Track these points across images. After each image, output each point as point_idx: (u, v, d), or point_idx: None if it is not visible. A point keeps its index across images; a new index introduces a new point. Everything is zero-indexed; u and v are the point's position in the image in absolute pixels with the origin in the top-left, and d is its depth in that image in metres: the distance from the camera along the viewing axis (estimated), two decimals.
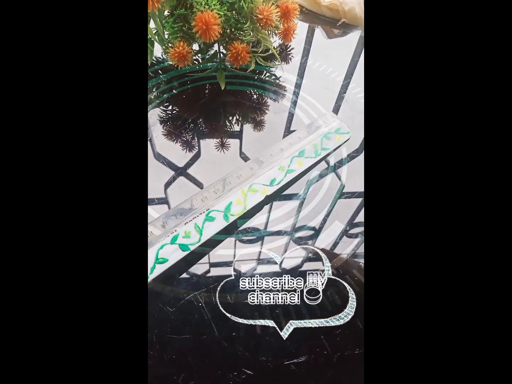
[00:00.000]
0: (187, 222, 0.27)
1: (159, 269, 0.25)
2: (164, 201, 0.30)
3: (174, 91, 0.40)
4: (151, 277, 0.25)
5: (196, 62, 0.42)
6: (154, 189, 0.31)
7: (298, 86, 0.41)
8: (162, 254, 0.25)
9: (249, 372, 0.22)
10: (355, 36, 0.47)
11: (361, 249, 0.28)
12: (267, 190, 0.30)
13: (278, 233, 0.28)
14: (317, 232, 0.29)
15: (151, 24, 0.37)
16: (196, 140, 0.35)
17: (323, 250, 0.27)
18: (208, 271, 0.26)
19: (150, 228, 0.26)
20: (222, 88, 0.38)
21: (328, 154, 0.34)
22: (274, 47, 0.40)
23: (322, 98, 0.40)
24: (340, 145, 0.35)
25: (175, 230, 0.26)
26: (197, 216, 0.27)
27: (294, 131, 0.35)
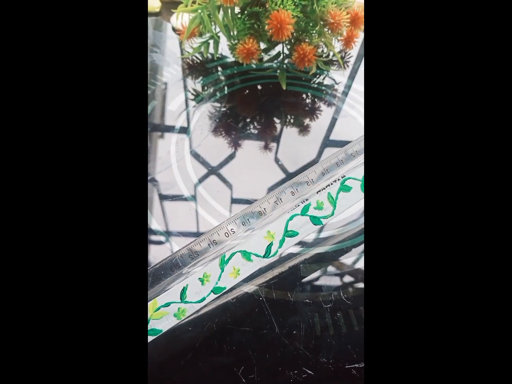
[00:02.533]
0: (319, 191, 0.23)
1: (288, 243, 0.23)
2: (193, 198, 0.30)
3: (226, 89, 0.40)
4: (280, 250, 0.23)
5: (255, 62, 0.42)
6: (186, 186, 0.31)
7: (348, 87, 0.41)
8: (292, 226, 0.23)
9: (309, 372, 0.22)
10: None
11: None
12: None
13: (301, 244, 0.28)
14: (345, 248, 0.28)
15: (220, 18, 0.38)
16: (240, 140, 0.35)
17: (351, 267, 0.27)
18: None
19: (279, 195, 0.24)
20: (284, 88, 0.38)
21: None
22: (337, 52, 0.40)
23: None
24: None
25: (306, 200, 0.23)
26: (331, 184, 0.24)
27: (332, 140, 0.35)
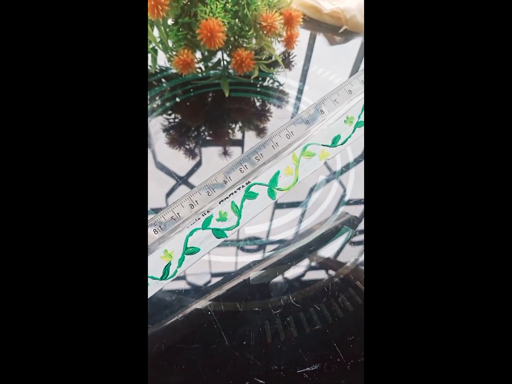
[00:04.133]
0: (222, 201, 0.21)
1: (189, 261, 0.21)
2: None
3: (177, 99, 0.40)
4: (179, 270, 0.21)
5: (199, 70, 0.42)
6: (156, 198, 0.31)
7: (300, 91, 0.41)
8: (192, 242, 0.21)
9: (261, 381, 0.22)
10: (357, 43, 0.48)
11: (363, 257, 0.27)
12: (328, 153, 0.23)
13: (281, 242, 0.28)
14: (320, 240, 0.28)
15: (155, 33, 0.37)
16: (198, 149, 0.35)
17: (328, 259, 0.27)
18: (209, 281, 0.26)
19: (176, 210, 0.21)
20: (226, 95, 0.38)
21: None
22: (277, 54, 0.40)
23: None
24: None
25: (208, 211, 0.21)
26: (235, 192, 0.22)
27: None
